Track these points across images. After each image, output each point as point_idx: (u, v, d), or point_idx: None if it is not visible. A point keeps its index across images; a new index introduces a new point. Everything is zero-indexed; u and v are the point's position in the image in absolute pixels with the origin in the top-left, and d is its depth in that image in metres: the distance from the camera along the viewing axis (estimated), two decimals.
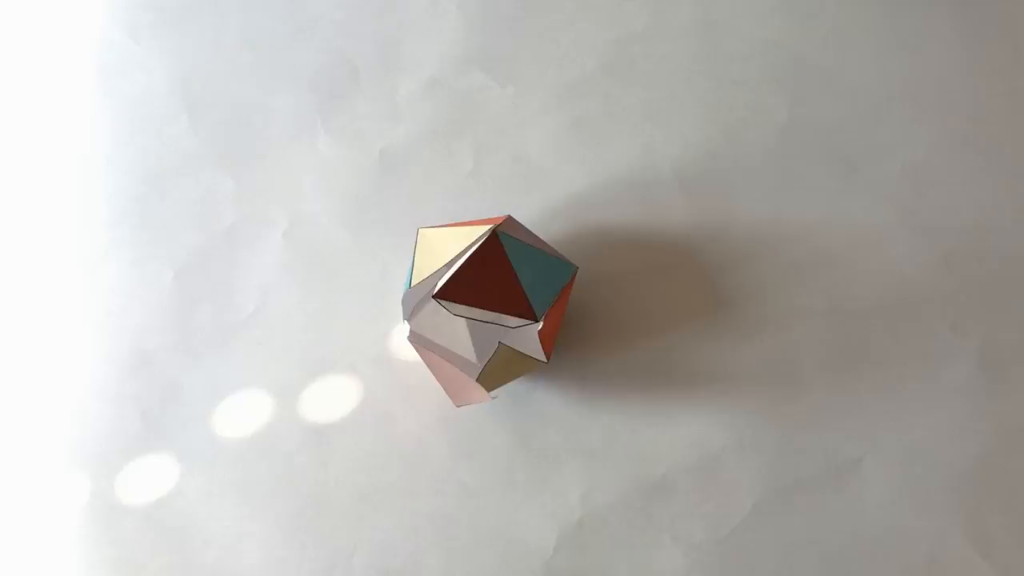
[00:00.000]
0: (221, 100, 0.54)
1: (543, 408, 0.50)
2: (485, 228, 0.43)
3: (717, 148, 0.52)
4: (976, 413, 0.49)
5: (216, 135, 0.54)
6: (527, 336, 0.43)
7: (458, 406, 0.45)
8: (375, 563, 0.49)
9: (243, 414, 0.50)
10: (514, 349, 0.43)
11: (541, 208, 0.52)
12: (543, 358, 0.44)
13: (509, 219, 0.45)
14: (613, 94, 0.53)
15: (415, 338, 0.44)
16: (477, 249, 0.42)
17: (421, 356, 0.45)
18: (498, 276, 0.43)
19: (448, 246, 0.43)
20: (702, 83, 0.53)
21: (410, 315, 0.44)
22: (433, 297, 0.42)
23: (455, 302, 0.42)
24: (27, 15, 0.56)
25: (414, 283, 0.44)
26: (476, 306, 0.43)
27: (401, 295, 0.51)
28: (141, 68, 0.55)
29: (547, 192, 0.52)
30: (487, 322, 0.43)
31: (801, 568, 0.48)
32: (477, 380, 0.43)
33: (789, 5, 0.54)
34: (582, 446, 0.49)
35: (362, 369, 0.51)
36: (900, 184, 0.51)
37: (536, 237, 0.45)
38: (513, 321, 0.43)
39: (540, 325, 0.43)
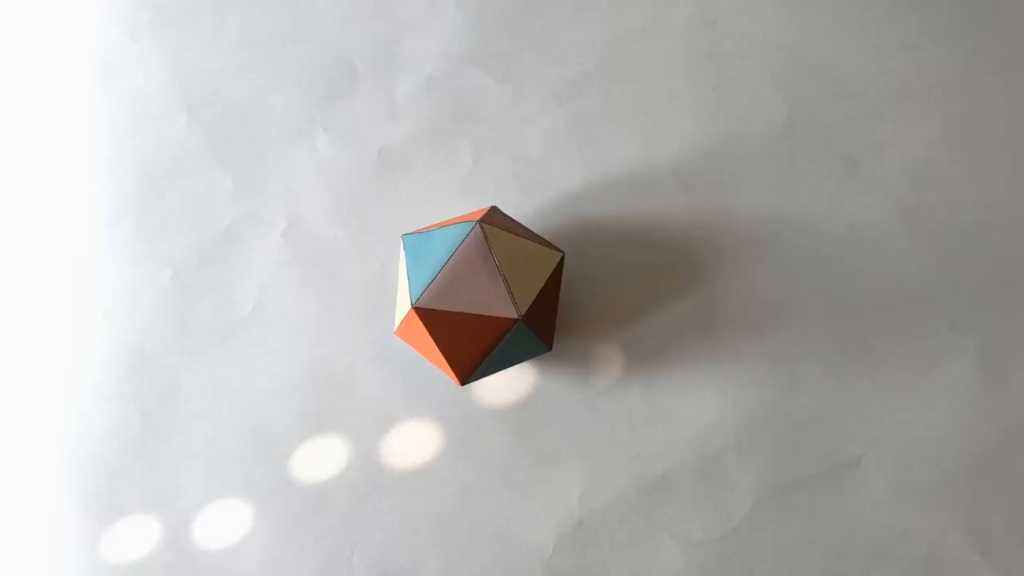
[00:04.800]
0: (220, 99, 0.54)
1: (543, 408, 0.50)
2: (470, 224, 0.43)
3: (716, 147, 0.52)
4: (975, 412, 0.49)
5: (215, 134, 0.53)
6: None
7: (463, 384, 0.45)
8: (375, 563, 0.49)
9: (242, 413, 0.50)
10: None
11: (540, 206, 0.52)
12: (547, 348, 0.45)
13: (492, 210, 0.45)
14: (612, 93, 0.53)
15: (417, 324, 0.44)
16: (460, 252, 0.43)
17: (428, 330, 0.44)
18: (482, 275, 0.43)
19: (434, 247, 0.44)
20: (701, 82, 0.53)
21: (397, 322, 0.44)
22: (414, 307, 0.42)
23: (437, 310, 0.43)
24: (25, 14, 0.56)
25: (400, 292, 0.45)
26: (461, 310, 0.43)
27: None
28: (139, 67, 0.55)
29: (546, 191, 0.52)
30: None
31: (801, 567, 0.48)
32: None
33: (788, 3, 0.53)
34: (582, 445, 0.49)
35: (360, 368, 0.50)
36: (900, 183, 0.51)
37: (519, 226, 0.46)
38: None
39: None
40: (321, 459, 0.50)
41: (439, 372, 0.50)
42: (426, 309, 0.42)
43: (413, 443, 0.50)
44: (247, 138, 0.53)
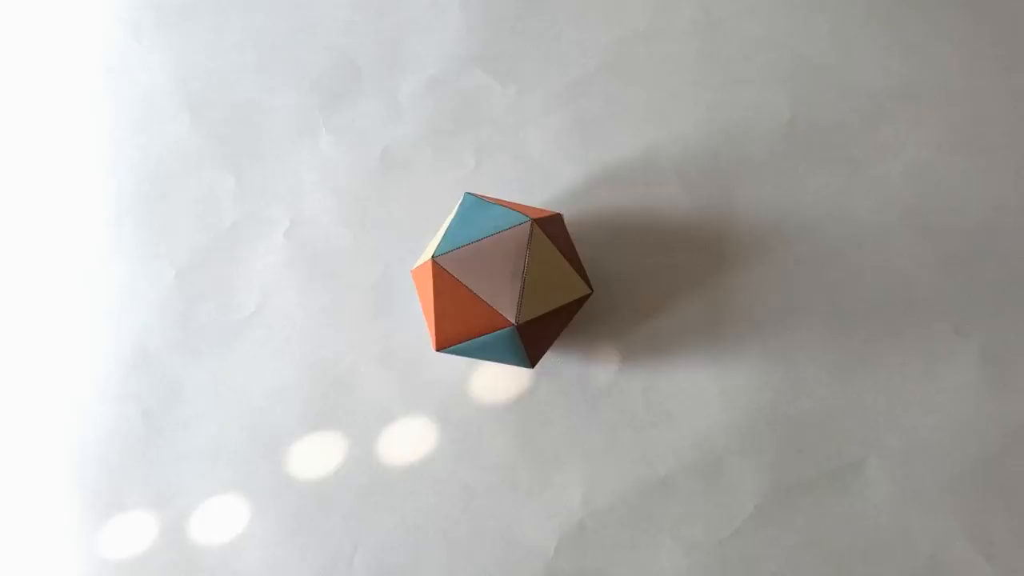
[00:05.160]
0: (223, 99, 0.54)
1: (545, 408, 0.50)
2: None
3: (719, 147, 0.52)
4: (979, 414, 0.49)
5: (218, 134, 0.54)
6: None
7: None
8: (376, 564, 0.49)
9: (244, 414, 0.50)
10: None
11: (541, 207, 0.52)
12: (527, 365, 0.44)
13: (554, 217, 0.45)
14: (615, 93, 0.53)
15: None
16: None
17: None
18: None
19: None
20: (704, 82, 0.53)
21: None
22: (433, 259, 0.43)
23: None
24: (29, 13, 0.56)
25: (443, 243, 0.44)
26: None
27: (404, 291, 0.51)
28: (143, 67, 0.55)
29: (548, 192, 0.52)
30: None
31: (803, 569, 0.48)
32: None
33: (791, 4, 0.53)
34: (584, 447, 0.49)
35: (363, 369, 0.50)
36: (903, 184, 0.51)
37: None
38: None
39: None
40: (323, 459, 0.50)
41: (440, 372, 0.50)
42: (441, 267, 0.43)
43: (414, 443, 0.50)
44: (250, 138, 0.53)
